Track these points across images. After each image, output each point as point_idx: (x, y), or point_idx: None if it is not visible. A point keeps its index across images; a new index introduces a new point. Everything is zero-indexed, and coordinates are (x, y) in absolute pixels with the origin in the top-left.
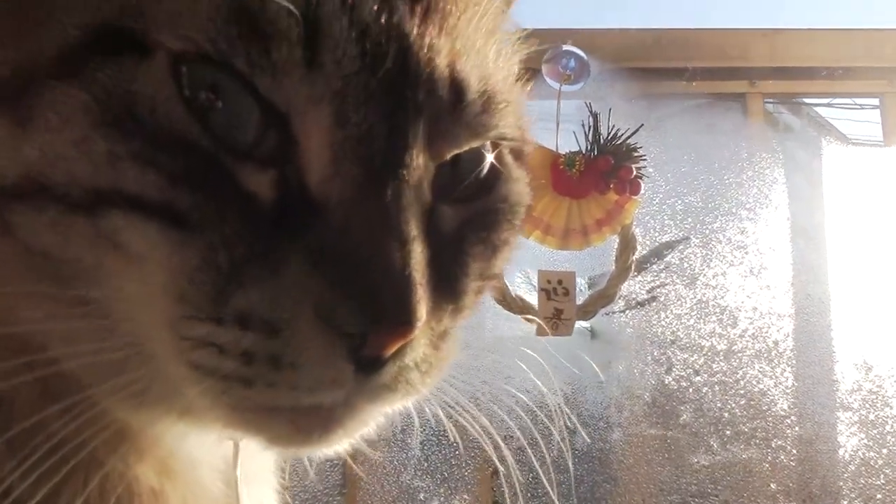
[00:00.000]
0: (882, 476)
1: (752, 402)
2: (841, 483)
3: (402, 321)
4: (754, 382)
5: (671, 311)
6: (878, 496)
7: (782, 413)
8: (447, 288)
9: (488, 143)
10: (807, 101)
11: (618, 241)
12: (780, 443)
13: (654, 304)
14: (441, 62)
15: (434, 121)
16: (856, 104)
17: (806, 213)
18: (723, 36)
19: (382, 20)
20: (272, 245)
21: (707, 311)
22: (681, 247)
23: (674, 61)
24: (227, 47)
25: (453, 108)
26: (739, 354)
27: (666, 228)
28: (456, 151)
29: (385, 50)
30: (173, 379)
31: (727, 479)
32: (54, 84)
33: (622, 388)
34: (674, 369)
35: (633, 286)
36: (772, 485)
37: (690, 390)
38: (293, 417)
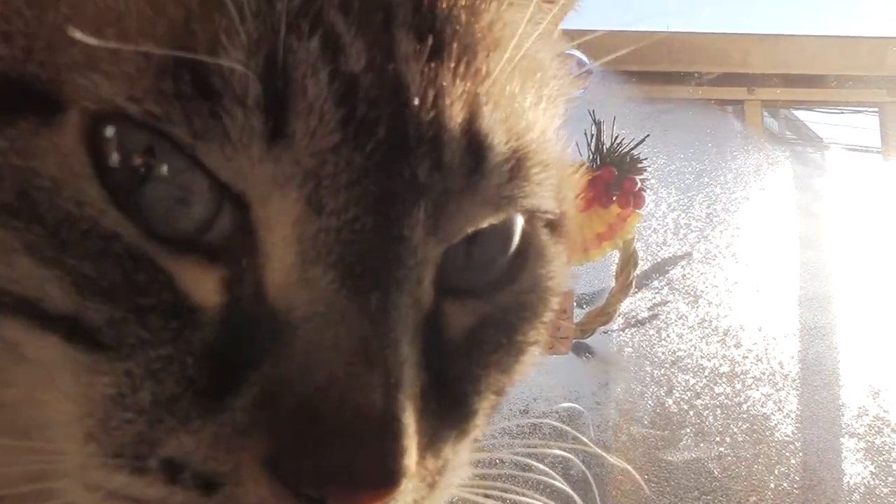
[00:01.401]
0: None
1: (754, 427)
2: None
3: (380, 483)
4: (758, 406)
5: (672, 330)
6: None
7: (786, 439)
8: (452, 411)
9: (518, 214)
10: (808, 110)
11: (618, 256)
12: (783, 469)
13: (655, 322)
14: (454, 117)
15: (443, 196)
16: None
17: (812, 228)
18: (726, 41)
19: (375, 69)
20: (214, 372)
21: (709, 330)
22: (683, 263)
23: (679, 65)
24: (160, 109)
25: (469, 177)
26: (742, 377)
27: (668, 243)
28: (472, 230)
29: (377, 114)
30: None
31: None
32: None
33: (620, 411)
34: (674, 391)
35: (634, 303)
36: None
37: (691, 413)
38: None
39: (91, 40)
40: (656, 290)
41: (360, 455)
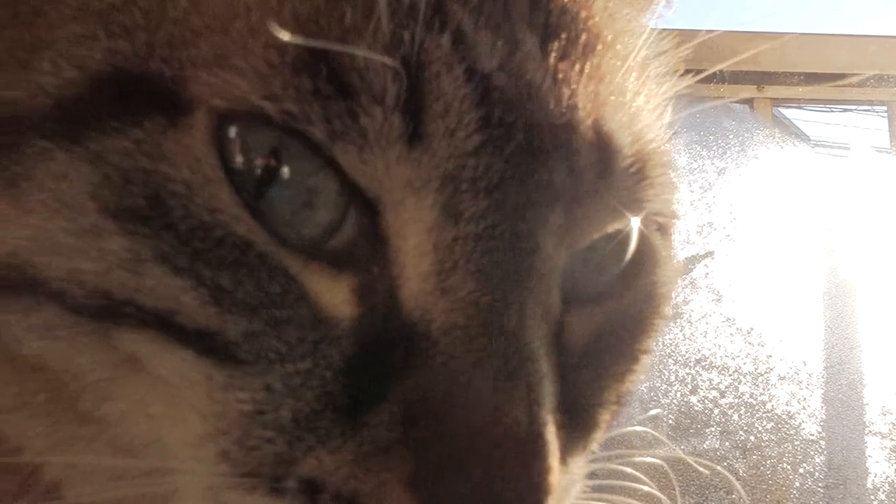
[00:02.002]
0: None
1: (779, 426)
2: None
3: (537, 495)
4: (782, 405)
5: (696, 328)
6: None
7: (811, 437)
8: (579, 425)
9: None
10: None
11: None
12: (808, 468)
13: (679, 321)
14: (585, 119)
15: (574, 202)
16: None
17: (834, 228)
18: (736, 38)
19: (506, 69)
20: (352, 388)
21: (733, 329)
22: (706, 261)
23: (691, 63)
24: (298, 108)
25: (598, 182)
26: (766, 375)
27: (691, 241)
28: (595, 237)
29: (513, 116)
30: None
31: None
32: (47, 146)
33: (644, 409)
34: (699, 390)
35: None
36: None
37: (716, 412)
38: None
39: (285, 35)
40: (679, 289)
41: (508, 475)
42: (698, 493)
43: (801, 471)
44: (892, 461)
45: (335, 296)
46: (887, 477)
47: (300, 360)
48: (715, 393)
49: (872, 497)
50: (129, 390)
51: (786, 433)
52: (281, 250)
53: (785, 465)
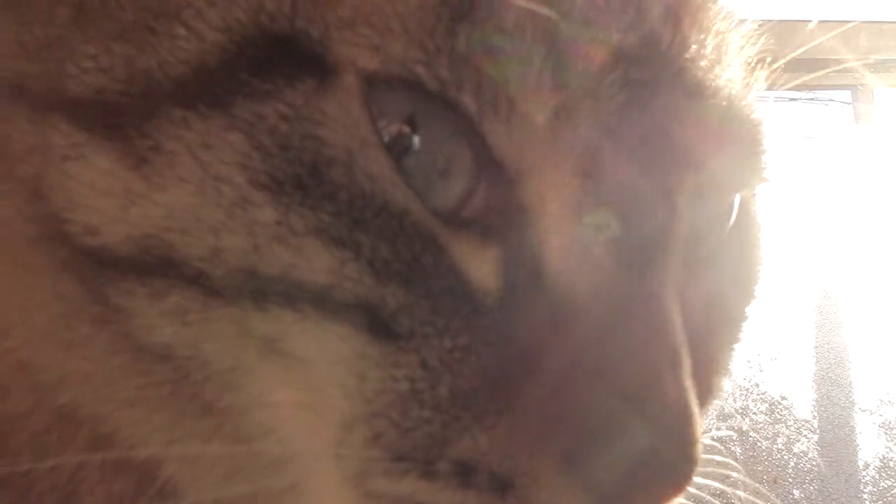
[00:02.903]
0: None
1: (773, 408)
2: (861, 486)
3: (683, 475)
4: (775, 387)
5: None
6: None
7: (804, 418)
8: (702, 395)
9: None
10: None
11: None
12: (802, 448)
13: None
14: (715, 88)
15: (702, 167)
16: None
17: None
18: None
19: (639, 27)
20: (505, 362)
21: None
22: None
23: None
24: (451, 76)
25: (723, 148)
26: (759, 358)
27: None
28: (716, 202)
29: (650, 77)
30: None
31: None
32: (185, 115)
33: None
34: None
35: None
36: (795, 491)
37: None
38: None
39: None
40: None
41: (662, 446)
42: (698, 475)
43: (795, 450)
44: (881, 437)
45: (481, 267)
46: (877, 453)
47: (456, 334)
48: None
49: (864, 473)
50: (259, 378)
51: (779, 415)
52: (432, 219)
53: (779, 445)
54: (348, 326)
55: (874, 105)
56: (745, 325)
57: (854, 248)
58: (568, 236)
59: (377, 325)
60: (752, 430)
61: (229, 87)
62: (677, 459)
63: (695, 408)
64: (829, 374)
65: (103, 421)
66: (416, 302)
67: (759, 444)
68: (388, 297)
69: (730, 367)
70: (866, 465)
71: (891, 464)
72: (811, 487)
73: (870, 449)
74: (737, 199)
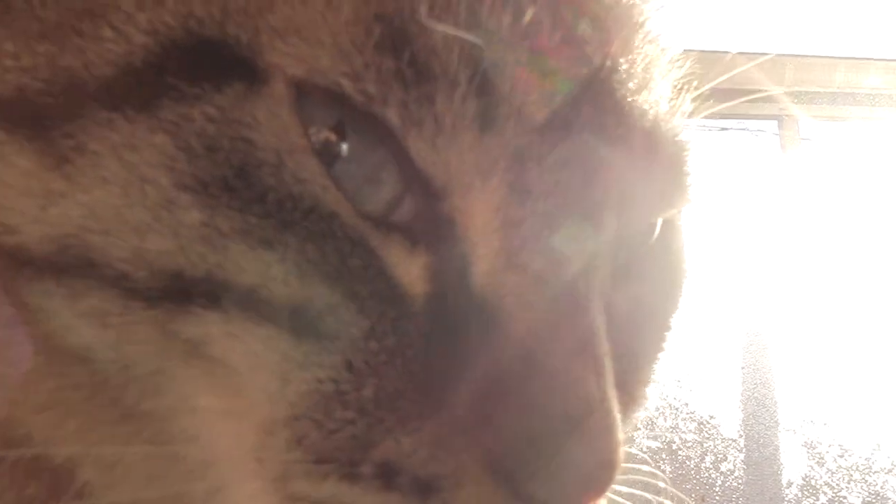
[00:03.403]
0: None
1: (701, 427)
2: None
3: (605, 479)
4: (703, 407)
5: None
6: None
7: (730, 437)
8: (627, 404)
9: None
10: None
11: None
12: (728, 466)
13: None
14: (640, 107)
15: (629, 185)
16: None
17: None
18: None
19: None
20: (430, 367)
21: None
22: None
23: None
24: (377, 90)
25: (651, 168)
26: (688, 378)
27: None
28: (645, 219)
29: (577, 93)
30: None
31: None
32: (110, 117)
33: None
34: None
35: None
36: None
37: (642, 415)
38: None
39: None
40: None
41: (584, 451)
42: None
43: (722, 469)
44: (804, 455)
45: (410, 271)
46: (800, 472)
47: (383, 336)
48: None
49: (787, 491)
50: (182, 382)
51: (707, 433)
52: (362, 223)
53: (707, 464)
54: (273, 328)
55: (799, 135)
56: (669, 336)
57: (780, 273)
58: (494, 248)
59: (302, 326)
60: (681, 448)
61: (156, 89)
62: (598, 465)
63: (616, 415)
64: (755, 395)
65: (15, 424)
66: (343, 304)
67: (688, 463)
68: (315, 299)
69: (654, 376)
70: (789, 484)
71: (812, 482)
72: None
73: (793, 468)
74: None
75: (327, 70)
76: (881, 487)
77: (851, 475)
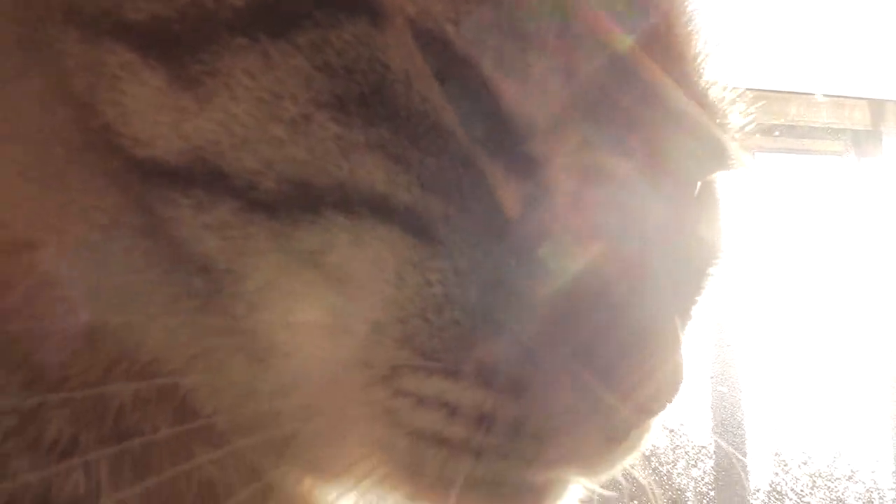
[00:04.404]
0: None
1: (673, 433)
2: None
3: (674, 390)
4: (675, 413)
5: None
6: None
7: (701, 444)
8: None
9: None
10: None
11: None
12: (699, 473)
13: None
14: (693, 54)
15: (683, 136)
16: None
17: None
18: None
19: None
20: (520, 278)
21: None
22: None
23: None
24: (474, 37)
25: (701, 122)
26: None
27: None
28: (692, 178)
29: (644, 41)
30: (360, 442)
31: None
32: (244, 43)
33: None
34: None
35: None
36: None
37: None
38: (508, 494)
39: None
40: None
41: (659, 359)
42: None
43: (693, 475)
44: (772, 463)
45: (507, 195)
46: (767, 479)
47: (486, 247)
48: None
49: (754, 498)
50: (289, 296)
51: (678, 440)
52: (472, 145)
53: (679, 469)
54: (392, 233)
55: (755, 165)
56: (709, 284)
57: (745, 288)
58: (574, 183)
59: (418, 232)
60: (654, 455)
61: (292, 16)
62: (673, 376)
63: (680, 334)
64: (724, 403)
65: (128, 336)
66: (455, 214)
67: (660, 469)
68: (432, 208)
69: (694, 315)
70: (756, 490)
71: (779, 488)
72: None
73: (760, 474)
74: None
75: (438, 15)
76: (842, 493)
77: (815, 482)
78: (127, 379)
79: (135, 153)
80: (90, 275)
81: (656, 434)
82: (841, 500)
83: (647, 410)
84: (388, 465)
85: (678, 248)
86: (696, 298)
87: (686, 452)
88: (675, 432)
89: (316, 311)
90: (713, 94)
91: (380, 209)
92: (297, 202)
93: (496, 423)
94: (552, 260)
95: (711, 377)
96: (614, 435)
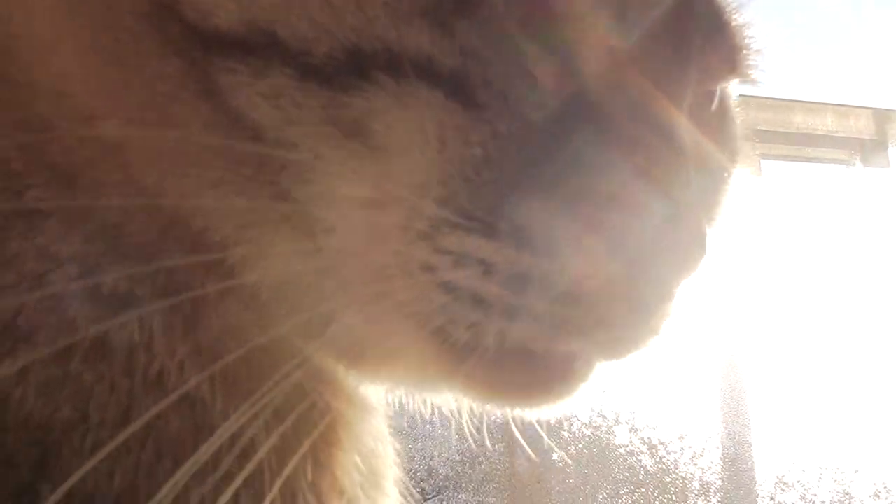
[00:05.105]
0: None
1: (680, 422)
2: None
3: (697, 258)
4: (683, 403)
5: None
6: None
7: (708, 433)
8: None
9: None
10: None
11: None
12: (706, 462)
13: None
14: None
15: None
16: None
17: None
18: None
19: None
20: (556, 143)
21: None
22: None
23: None
24: None
25: (720, 36)
26: (668, 378)
27: None
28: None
29: None
30: (400, 307)
31: (662, 498)
32: None
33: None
34: (606, 391)
35: None
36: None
37: (626, 410)
38: (537, 362)
39: None
40: None
41: (685, 234)
42: (610, 486)
43: (699, 464)
44: (778, 452)
45: (546, 69)
46: (772, 469)
47: (524, 114)
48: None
49: (761, 488)
50: (334, 168)
51: (686, 429)
52: (511, 23)
53: (686, 458)
54: (438, 97)
55: (760, 173)
56: (728, 188)
57: (756, 288)
58: (605, 65)
59: (461, 97)
60: (661, 444)
61: None
62: (697, 253)
63: (702, 220)
64: (731, 393)
65: (183, 203)
66: (495, 80)
67: (667, 458)
68: (474, 73)
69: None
70: (763, 480)
71: (785, 479)
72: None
73: (766, 464)
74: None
75: None
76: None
77: (822, 474)
78: (179, 244)
79: (196, 22)
80: (150, 143)
81: (670, 332)
82: (847, 493)
83: (670, 282)
84: (420, 337)
85: (701, 148)
86: (716, 206)
87: (694, 441)
88: (682, 419)
89: (361, 183)
90: (732, 15)
91: (425, 74)
92: (348, 68)
93: (529, 284)
94: (588, 129)
95: (721, 376)
96: (640, 308)
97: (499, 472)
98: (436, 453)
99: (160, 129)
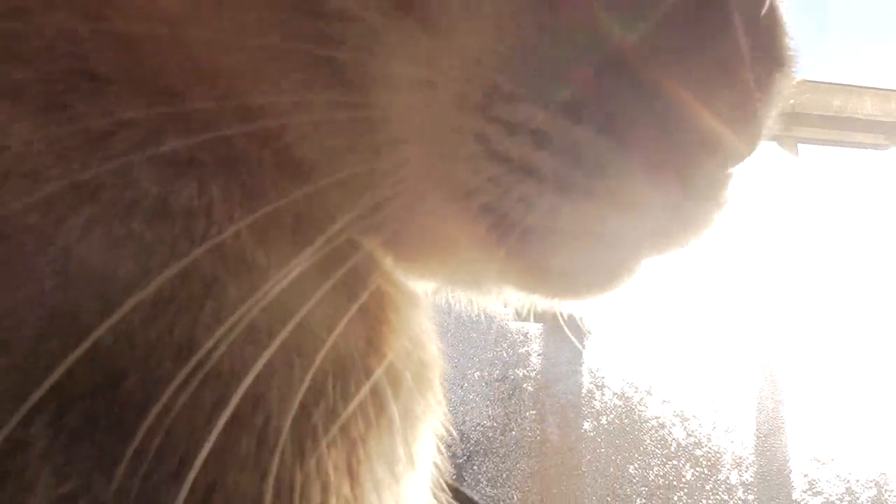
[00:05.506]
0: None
1: (714, 395)
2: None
3: (756, 140)
4: (716, 375)
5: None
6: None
7: (740, 407)
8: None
9: None
10: None
11: None
12: (739, 436)
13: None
14: None
15: None
16: None
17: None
18: None
19: None
20: (608, 21)
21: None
22: None
23: None
24: None
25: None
26: (700, 351)
27: None
28: None
29: None
30: (450, 183)
31: (694, 471)
32: None
33: (594, 378)
34: (641, 361)
35: None
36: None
37: (659, 380)
38: (587, 249)
39: None
40: None
41: (747, 118)
42: (641, 460)
43: (732, 439)
44: (813, 429)
45: None
46: (805, 445)
47: None
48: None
49: (795, 464)
50: (390, 45)
51: (720, 402)
52: None
53: (719, 432)
54: None
55: (797, 156)
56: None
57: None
58: None
59: None
60: (694, 416)
61: None
62: (753, 137)
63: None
64: (766, 367)
65: (242, 77)
66: None
67: (699, 431)
68: None
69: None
70: (797, 455)
71: (819, 456)
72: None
73: (798, 439)
74: None
75: None
76: None
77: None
78: (237, 116)
79: None
80: (213, 15)
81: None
82: (884, 473)
83: (721, 174)
84: (470, 216)
85: None
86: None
87: (726, 415)
88: (715, 392)
89: (416, 62)
90: None
91: None
92: None
93: (583, 157)
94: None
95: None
96: (693, 194)
97: (529, 440)
98: (467, 418)
99: (222, 4)
